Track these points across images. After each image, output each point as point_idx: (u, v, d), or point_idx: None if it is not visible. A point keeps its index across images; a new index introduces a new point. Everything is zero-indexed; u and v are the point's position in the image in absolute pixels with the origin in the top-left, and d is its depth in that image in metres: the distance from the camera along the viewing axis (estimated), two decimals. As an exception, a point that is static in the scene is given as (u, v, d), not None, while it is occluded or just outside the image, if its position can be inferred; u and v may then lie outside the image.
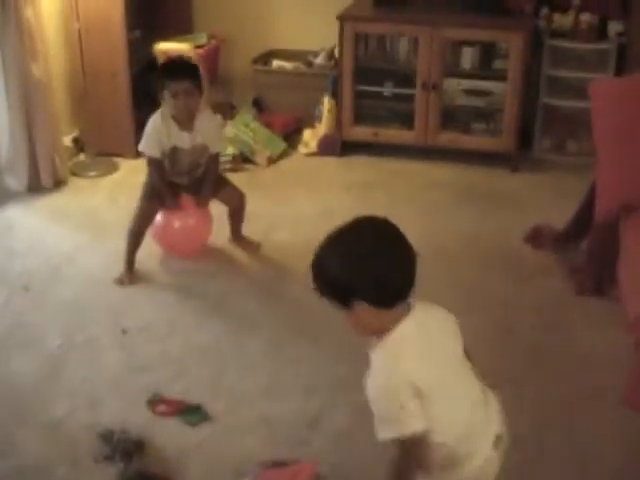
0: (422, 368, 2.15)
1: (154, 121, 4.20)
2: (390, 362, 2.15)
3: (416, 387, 2.10)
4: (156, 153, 4.22)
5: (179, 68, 4.24)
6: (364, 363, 2.19)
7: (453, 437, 2.19)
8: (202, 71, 4.41)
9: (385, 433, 2.15)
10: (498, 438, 2.27)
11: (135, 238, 4.27)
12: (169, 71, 4.21)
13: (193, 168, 4.31)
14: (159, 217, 4.33)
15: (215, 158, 4.38)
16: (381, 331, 2.17)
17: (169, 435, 3.20)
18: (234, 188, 4.47)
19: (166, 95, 4.10)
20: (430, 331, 2.22)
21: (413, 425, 2.12)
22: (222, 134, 4.90)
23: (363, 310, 2.13)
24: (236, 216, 4.54)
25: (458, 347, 2.28)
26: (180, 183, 4.32)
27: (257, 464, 2.93)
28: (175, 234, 4.38)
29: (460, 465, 2.22)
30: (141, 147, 4.29)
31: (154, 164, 4.25)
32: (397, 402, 2.11)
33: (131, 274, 4.25)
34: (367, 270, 2.09)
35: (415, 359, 2.15)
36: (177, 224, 4.35)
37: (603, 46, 5.42)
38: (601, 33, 5.40)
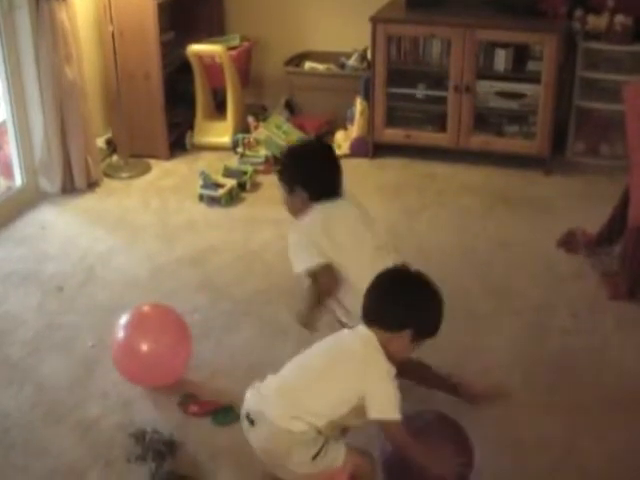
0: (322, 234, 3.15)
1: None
2: (297, 226, 3.24)
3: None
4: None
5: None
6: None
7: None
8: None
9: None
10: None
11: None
12: None
13: None
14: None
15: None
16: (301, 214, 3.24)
17: (201, 435, 3.22)
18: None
19: None
20: (333, 217, 3.20)
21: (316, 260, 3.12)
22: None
23: (298, 195, 3.24)
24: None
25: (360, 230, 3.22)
26: None
27: None
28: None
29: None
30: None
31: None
32: (303, 246, 3.16)
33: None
34: (304, 170, 3.28)
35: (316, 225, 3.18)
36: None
37: (637, 48, 5.36)
38: (635, 35, 5.34)
